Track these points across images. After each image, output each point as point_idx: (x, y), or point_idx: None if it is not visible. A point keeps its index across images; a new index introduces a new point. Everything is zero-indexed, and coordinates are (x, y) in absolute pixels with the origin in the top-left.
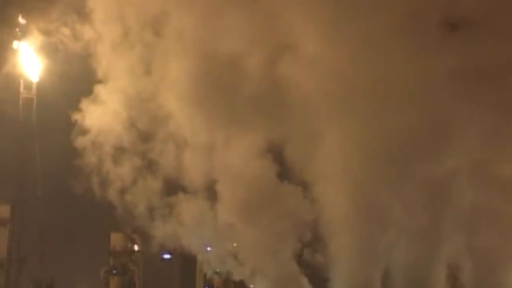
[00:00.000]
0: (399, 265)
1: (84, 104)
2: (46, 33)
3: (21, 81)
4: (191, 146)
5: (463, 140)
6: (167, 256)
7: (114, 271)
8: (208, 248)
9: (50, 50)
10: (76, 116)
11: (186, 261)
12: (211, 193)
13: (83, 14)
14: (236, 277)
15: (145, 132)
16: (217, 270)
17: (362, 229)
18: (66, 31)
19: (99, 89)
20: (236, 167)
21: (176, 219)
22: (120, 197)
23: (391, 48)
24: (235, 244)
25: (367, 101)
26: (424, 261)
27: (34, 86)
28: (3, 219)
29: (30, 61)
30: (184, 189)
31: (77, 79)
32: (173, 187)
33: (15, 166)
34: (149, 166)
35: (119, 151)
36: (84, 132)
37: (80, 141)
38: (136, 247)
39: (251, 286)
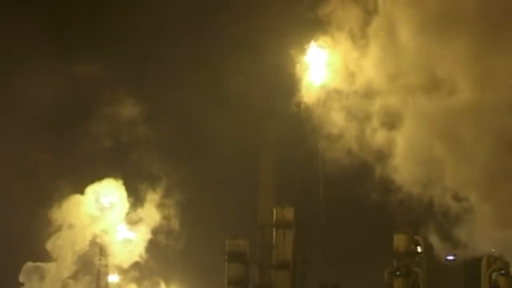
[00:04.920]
0: None
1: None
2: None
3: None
4: None
5: None
6: (450, 257)
7: (398, 273)
8: (493, 249)
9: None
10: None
11: (470, 262)
12: None
13: None
14: None
15: None
16: (503, 271)
17: None
18: None
19: None
20: None
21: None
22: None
23: None
24: None
25: None
26: None
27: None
28: (288, 222)
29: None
30: None
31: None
32: None
33: (298, 168)
34: None
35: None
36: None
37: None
38: (419, 249)
39: None
